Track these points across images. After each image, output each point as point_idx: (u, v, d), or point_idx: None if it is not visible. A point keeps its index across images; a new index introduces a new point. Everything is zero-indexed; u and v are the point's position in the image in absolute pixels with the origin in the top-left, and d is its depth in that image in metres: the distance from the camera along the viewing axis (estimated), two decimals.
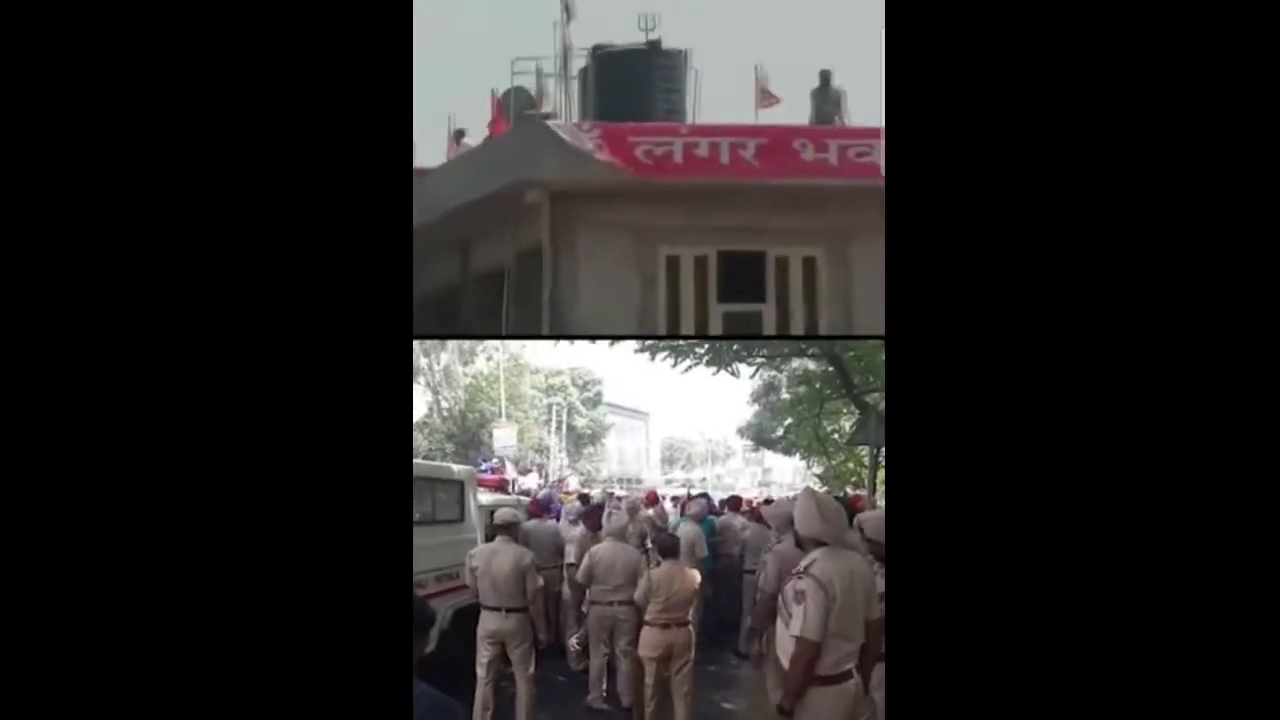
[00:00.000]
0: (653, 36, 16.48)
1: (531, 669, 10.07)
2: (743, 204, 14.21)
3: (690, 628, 9.91)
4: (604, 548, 11.03)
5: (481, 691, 9.86)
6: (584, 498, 18.80)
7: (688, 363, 19.86)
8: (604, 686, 11.14)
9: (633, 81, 16.24)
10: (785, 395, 25.81)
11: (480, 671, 9.89)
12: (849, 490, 21.18)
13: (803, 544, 6.55)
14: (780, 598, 6.37)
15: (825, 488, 20.37)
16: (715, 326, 14.93)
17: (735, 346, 19.49)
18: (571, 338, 17.02)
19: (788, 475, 28.76)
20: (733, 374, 20.68)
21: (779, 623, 6.33)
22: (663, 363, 19.86)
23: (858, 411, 20.67)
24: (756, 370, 21.23)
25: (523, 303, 15.15)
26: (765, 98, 15.42)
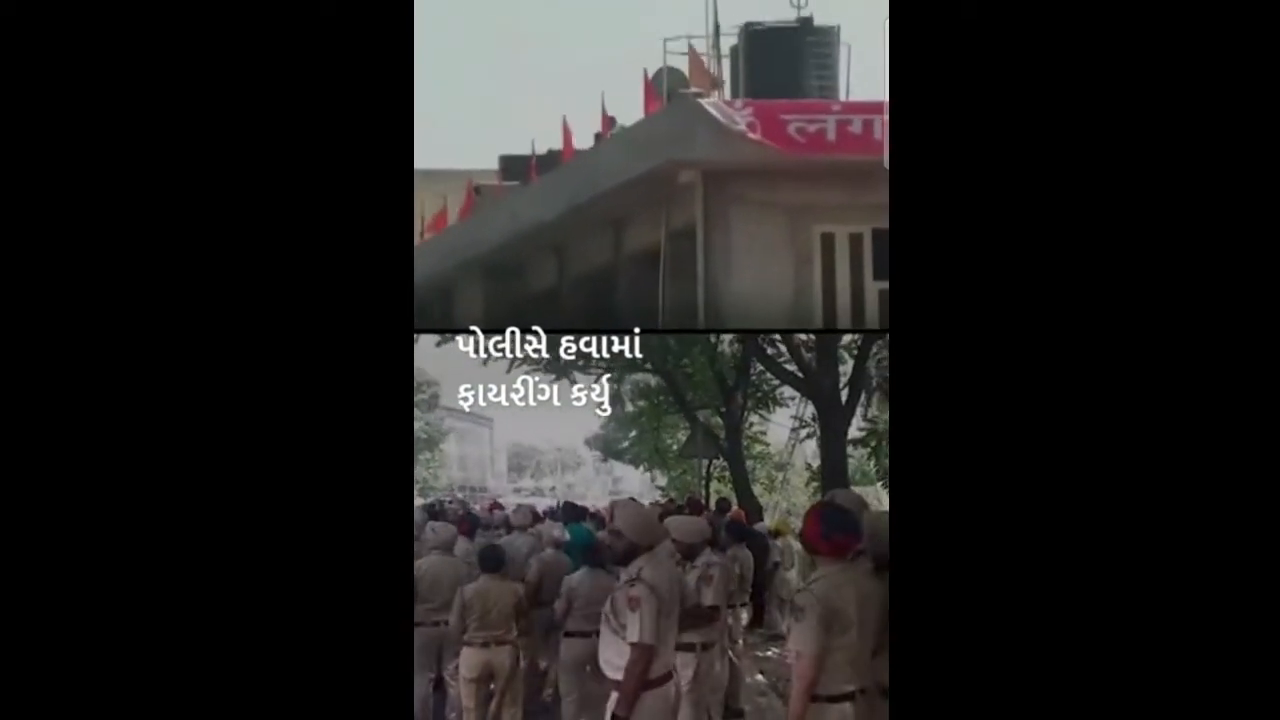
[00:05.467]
0: (804, 13, 16.39)
1: None
2: None
3: (515, 645, 9.31)
4: (429, 562, 10.03)
5: None
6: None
7: (523, 371, 19.28)
8: (430, 713, 10.20)
9: (784, 59, 16.13)
10: (630, 408, 26.03)
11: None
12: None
13: (618, 553, 6.45)
14: (610, 606, 6.28)
15: (667, 498, 20.27)
16: (871, 304, 14.79)
17: (574, 355, 19.17)
18: (575, 331, 16.63)
19: (635, 486, 28.64)
20: (571, 381, 20.18)
21: (604, 632, 6.28)
22: (496, 366, 19.08)
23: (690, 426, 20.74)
24: (597, 379, 21.18)
25: (677, 282, 15.13)
26: None
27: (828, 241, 14.73)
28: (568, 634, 9.26)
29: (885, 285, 14.72)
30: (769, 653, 14.12)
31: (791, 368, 17.82)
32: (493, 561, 9.35)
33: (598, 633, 8.48)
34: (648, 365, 20.57)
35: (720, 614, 9.09)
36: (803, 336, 16.26)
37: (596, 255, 17.29)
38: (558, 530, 11.18)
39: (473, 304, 20.10)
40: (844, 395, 17.54)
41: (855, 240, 14.72)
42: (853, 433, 18.16)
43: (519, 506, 15.34)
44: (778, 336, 16.90)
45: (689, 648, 8.46)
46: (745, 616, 11.91)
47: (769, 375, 20.74)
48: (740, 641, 11.34)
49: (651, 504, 15.28)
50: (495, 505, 18.07)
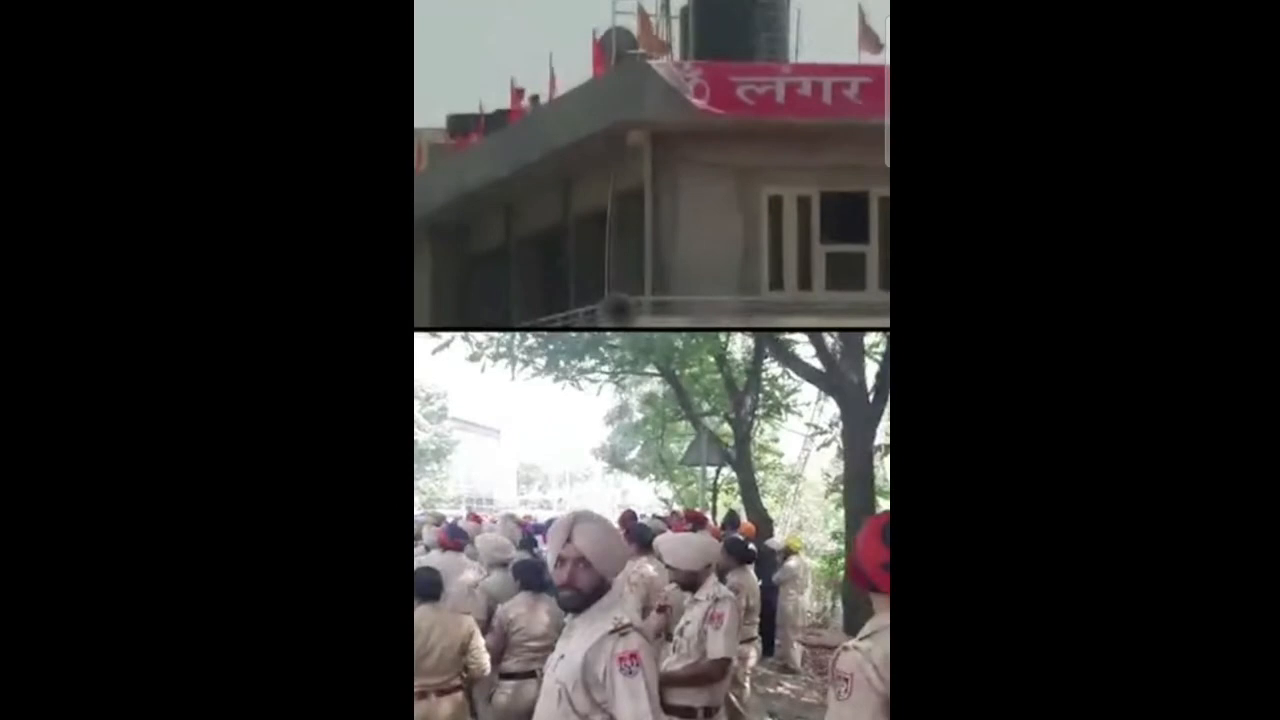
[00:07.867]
0: None
1: None
2: (846, 143, 14.09)
3: (460, 694, 7.11)
4: None
5: None
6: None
7: (528, 374, 19.00)
8: None
9: (734, 21, 16.14)
10: (638, 416, 25.07)
11: None
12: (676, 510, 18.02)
13: (583, 591, 4.39)
14: (582, 673, 4.24)
15: (671, 511, 17.54)
16: (818, 267, 14.84)
17: (577, 362, 19.05)
18: (581, 329, 16.47)
19: (646, 497, 27.33)
20: (577, 387, 19.70)
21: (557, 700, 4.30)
22: (497, 373, 18.77)
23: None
24: (600, 388, 20.50)
25: (625, 242, 15.15)
26: (868, 38, 15.24)
27: (775, 204, 14.77)
28: (504, 676, 7.45)
29: (832, 248, 14.81)
30: (779, 688, 12.36)
31: (814, 363, 16.05)
32: (426, 586, 7.11)
33: (538, 673, 6.48)
34: (650, 370, 19.82)
35: (730, 666, 7.13)
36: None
37: (545, 215, 17.28)
38: (510, 550, 9.02)
39: (420, 265, 20.08)
40: (870, 397, 15.55)
41: (803, 202, 14.77)
42: (880, 438, 15.76)
43: (505, 517, 12.85)
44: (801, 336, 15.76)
45: (688, 713, 6.72)
46: (754, 655, 9.71)
47: (781, 381, 19.46)
48: (747, 685, 9.03)
49: (649, 516, 14.10)
50: (474, 516, 15.90)
